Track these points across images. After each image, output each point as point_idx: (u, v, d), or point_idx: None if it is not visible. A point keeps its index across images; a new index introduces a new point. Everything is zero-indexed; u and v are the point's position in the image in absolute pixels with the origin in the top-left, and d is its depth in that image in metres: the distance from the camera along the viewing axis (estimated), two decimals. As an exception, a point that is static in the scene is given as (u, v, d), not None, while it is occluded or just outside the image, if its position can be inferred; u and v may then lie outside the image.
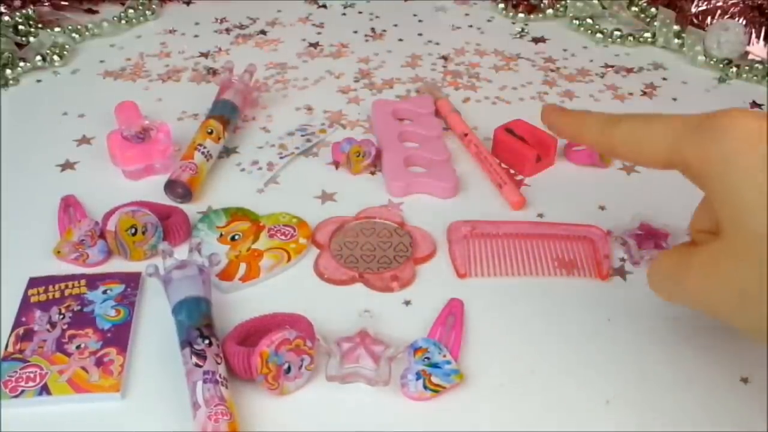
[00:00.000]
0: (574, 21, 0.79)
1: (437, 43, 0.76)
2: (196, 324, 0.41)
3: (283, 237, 0.50)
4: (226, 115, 0.59)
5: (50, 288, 0.46)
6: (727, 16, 0.76)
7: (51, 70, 0.71)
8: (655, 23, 0.76)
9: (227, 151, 0.59)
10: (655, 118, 0.31)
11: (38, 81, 0.69)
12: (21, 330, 0.43)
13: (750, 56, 0.74)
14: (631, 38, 0.76)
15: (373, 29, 0.79)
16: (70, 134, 0.61)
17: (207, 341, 0.40)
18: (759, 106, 0.67)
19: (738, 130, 0.27)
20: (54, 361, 0.41)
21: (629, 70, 0.72)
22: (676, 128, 0.30)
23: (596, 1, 0.80)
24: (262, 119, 0.64)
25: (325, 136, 0.61)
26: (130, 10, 0.78)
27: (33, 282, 0.46)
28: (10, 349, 0.42)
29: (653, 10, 0.77)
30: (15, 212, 0.53)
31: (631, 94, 0.68)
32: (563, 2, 0.80)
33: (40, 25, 0.75)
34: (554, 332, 0.44)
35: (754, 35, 0.74)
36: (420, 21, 0.81)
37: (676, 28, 0.75)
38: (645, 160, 0.32)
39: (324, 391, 0.40)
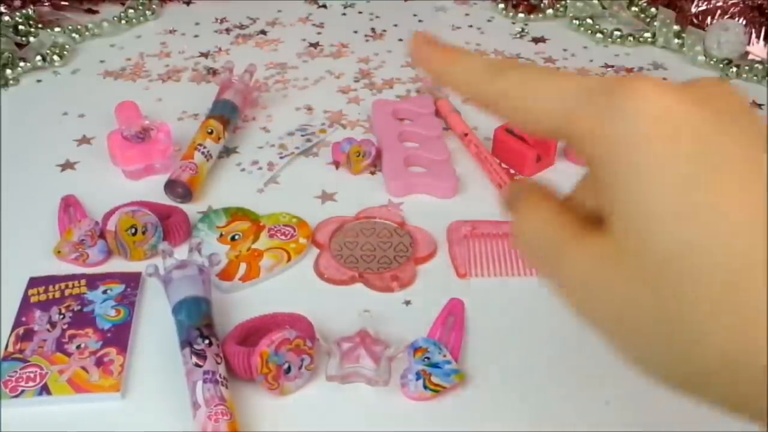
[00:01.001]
0: (574, 21, 0.79)
1: (437, 43, 0.76)
2: (196, 324, 0.41)
3: (283, 237, 0.50)
4: (226, 115, 0.59)
5: (50, 288, 0.46)
6: (727, 16, 0.76)
7: (51, 70, 0.71)
8: (655, 23, 0.76)
9: (227, 151, 0.59)
10: (551, 74, 0.24)
11: (38, 81, 0.69)
12: (21, 330, 0.43)
13: (750, 56, 0.74)
14: (631, 38, 0.76)
15: (373, 29, 0.79)
16: (71, 134, 0.61)
17: (207, 341, 0.40)
18: (759, 106, 0.67)
19: (646, 111, 0.20)
20: (54, 361, 0.41)
21: (629, 70, 0.72)
22: (570, 91, 0.22)
23: (596, 1, 0.80)
24: (262, 119, 0.64)
25: (325, 136, 0.61)
26: (130, 10, 0.78)
27: (33, 282, 0.46)
28: (11, 348, 0.42)
29: (653, 10, 0.77)
30: (15, 212, 0.53)
31: (631, 94, 0.68)
32: (563, 2, 0.80)
33: (40, 25, 0.75)
34: (554, 333, 0.44)
35: (754, 35, 0.74)
36: (420, 21, 0.81)
37: (676, 28, 0.75)
38: (528, 124, 0.24)
39: (324, 391, 0.40)
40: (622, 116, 0.20)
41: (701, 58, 0.72)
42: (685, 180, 0.19)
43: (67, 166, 0.58)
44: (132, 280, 0.46)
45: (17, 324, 0.43)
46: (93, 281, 0.46)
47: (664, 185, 0.19)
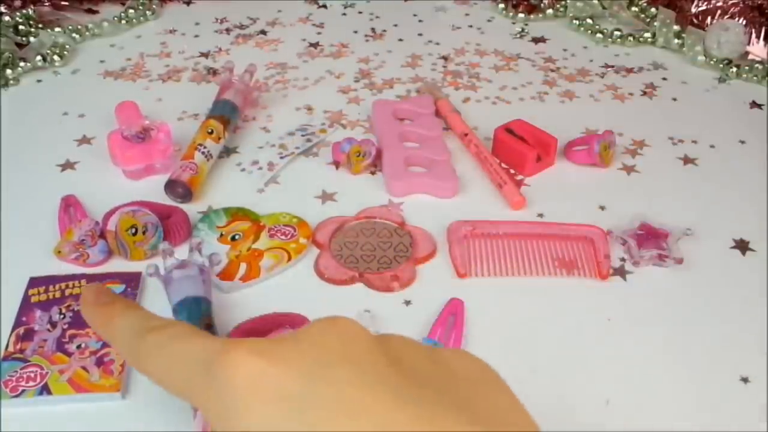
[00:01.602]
0: (574, 21, 0.79)
1: (437, 43, 0.76)
2: (197, 324, 0.41)
3: (283, 237, 0.50)
4: (227, 115, 0.59)
5: (51, 288, 0.46)
6: (727, 16, 0.76)
7: (51, 70, 0.71)
8: (655, 23, 0.76)
9: (227, 151, 0.59)
10: (182, 339, 0.24)
11: (38, 81, 0.69)
12: (21, 330, 0.43)
13: (750, 56, 0.74)
14: (631, 38, 0.76)
15: (373, 29, 0.79)
16: (71, 134, 0.61)
17: (207, 341, 0.40)
18: (759, 106, 0.67)
19: (239, 380, 0.21)
20: (54, 361, 0.41)
21: (629, 70, 0.72)
22: (190, 362, 0.23)
23: (596, 1, 0.80)
24: (262, 119, 0.64)
25: (326, 136, 0.61)
26: (131, 10, 0.78)
27: (33, 282, 0.46)
28: (11, 348, 0.42)
29: (653, 10, 0.77)
30: (15, 212, 0.53)
31: (631, 94, 0.68)
32: (563, 2, 0.80)
33: (40, 25, 0.75)
34: (554, 332, 0.44)
35: (754, 35, 0.74)
36: (420, 21, 0.81)
37: (676, 28, 0.75)
38: (168, 390, 0.24)
39: (324, 391, 0.40)
40: (222, 389, 0.21)
41: (701, 58, 0.72)
42: None
43: (68, 166, 0.58)
44: (132, 280, 0.46)
45: (17, 324, 0.43)
46: (93, 281, 0.46)
47: None
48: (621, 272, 0.49)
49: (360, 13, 0.83)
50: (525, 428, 0.22)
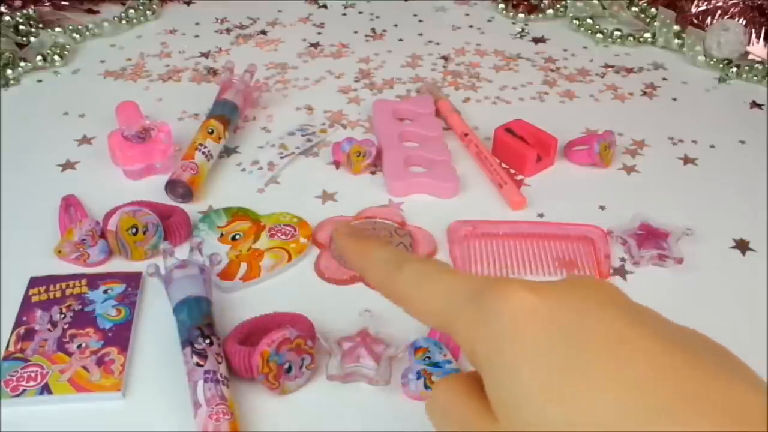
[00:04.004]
0: (574, 21, 0.79)
1: (437, 43, 0.76)
2: (197, 323, 0.41)
3: (283, 237, 0.50)
4: (227, 115, 0.59)
5: (51, 287, 0.46)
6: (727, 16, 0.76)
7: (52, 70, 0.71)
8: (655, 23, 0.76)
9: (228, 151, 0.60)
10: (440, 271, 0.26)
11: (39, 81, 0.69)
12: (22, 329, 0.43)
13: (750, 56, 0.74)
14: (631, 38, 0.76)
15: (373, 29, 0.79)
16: (71, 134, 0.61)
17: (208, 341, 0.40)
18: (759, 106, 0.67)
19: (512, 311, 0.22)
20: (55, 361, 0.41)
21: (629, 70, 0.72)
22: (452, 292, 0.25)
23: (596, 1, 0.80)
24: (262, 119, 0.64)
25: (326, 136, 0.61)
26: (131, 10, 0.78)
27: (34, 281, 0.46)
28: (11, 348, 0.42)
29: (653, 10, 0.77)
30: (16, 212, 0.53)
31: (631, 94, 0.68)
32: (563, 2, 0.80)
33: (40, 25, 0.75)
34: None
35: (754, 35, 0.74)
36: (420, 21, 0.81)
37: (676, 28, 0.75)
38: (421, 319, 0.27)
39: (325, 391, 0.40)
40: (493, 318, 0.23)
41: (701, 58, 0.72)
42: (551, 368, 0.21)
43: (68, 165, 0.58)
44: (133, 280, 0.46)
45: (18, 323, 0.43)
46: (94, 281, 0.46)
47: (532, 376, 0.21)
48: (621, 272, 0.49)
49: (360, 13, 0.83)
50: None
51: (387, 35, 0.78)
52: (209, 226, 0.51)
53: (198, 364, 0.39)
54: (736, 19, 0.75)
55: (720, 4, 0.76)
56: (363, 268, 0.30)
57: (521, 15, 0.81)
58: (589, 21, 0.78)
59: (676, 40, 0.74)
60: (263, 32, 0.78)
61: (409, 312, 0.27)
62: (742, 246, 0.51)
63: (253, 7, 0.83)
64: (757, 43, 0.74)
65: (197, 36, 0.77)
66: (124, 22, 0.78)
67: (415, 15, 0.82)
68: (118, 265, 0.48)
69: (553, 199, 0.55)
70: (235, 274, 0.47)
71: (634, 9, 0.79)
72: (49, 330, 0.43)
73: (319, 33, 0.78)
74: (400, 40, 0.77)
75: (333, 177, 0.57)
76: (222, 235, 0.50)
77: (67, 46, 0.72)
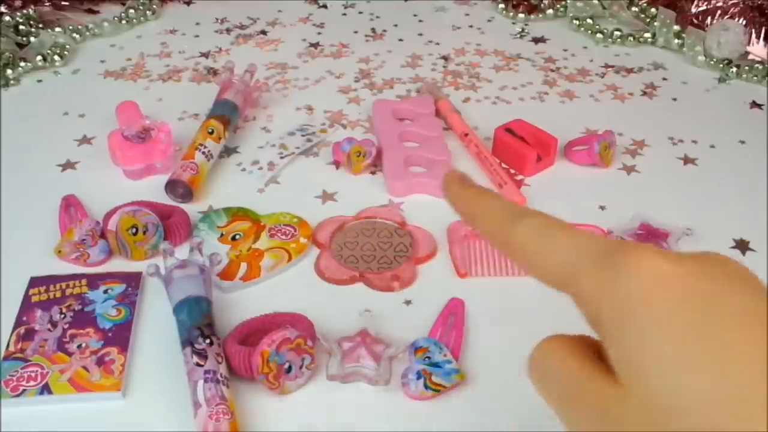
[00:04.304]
0: (574, 21, 0.79)
1: (437, 43, 0.76)
2: (197, 323, 0.41)
3: (283, 237, 0.50)
4: (227, 115, 0.59)
5: (51, 287, 0.46)
6: (727, 16, 0.76)
7: (52, 70, 0.71)
8: (655, 23, 0.76)
9: (228, 151, 0.60)
10: (562, 227, 0.26)
11: (39, 81, 0.69)
12: (22, 329, 0.43)
13: (750, 56, 0.74)
14: (631, 38, 0.76)
15: (373, 29, 0.79)
16: (71, 134, 0.61)
17: (208, 340, 0.40)
18: (759, 106, 0.67)
19: (645, 274, 0.22)
20: (55, 361, 0.41)
21: (629, 70, 0.72)
22: (578, 249, 0.24)
23: (596, 1, 0.80)
24: (262, 119, 0.64)
25: (326, 136, 0.61)
26: (131, 10, 0.78)
27: (34, 281, 0.46)
28: (12, 348, 0.42)
29: (653, 10, 0.77)
30: (16, 212, 0.53)
31: (631, 94, 0.68)
32: (563, 2, 0.80)
33: (40, 25, 0.75)
34: (554, 332, 0.44)
35: (754, 35, 0.74)
36: (420, 21, 0.81)
37: (676, 28, 0.75)
38: (537, 274, 0.26)
39: (325, 391, 0.40)
40: (624, 279, 0.22)
41: (701, 58, 0.72)
42: (685, 336, 0.20)
43: (68, 165, 0.58)
44: (133, 280, 0.46)
45: (18, 323, 0.43)
46: (94, 281, 0.46)
47: (665, 342, 0.21)
48: (621, 272, 0.48)
49: (360, 13, 0.83)
50: None
51: (387, 35, 0.78)
52: (209, 226, 0.51)
53: (198, 364, 0.39)
54: (736, 19, 0.75)
55: (720, 4, 0.76)
56: (474, 216, 0.28)
57: (521, 15, 0.81)
58: (589, 21, 0.78)
59: (676, 40, 0.74)
60: (263, 32, 0.78)
61: (523, 265, 0.26)
62: (742, 246, 0.51)
63: (253, 7, 0.83)
64: (757, 43, 0.74)
65: (197, 36, 0.77)
66: (124, 22, 0.78)
67: (415, 15, 0.82)
68: (118, 265, 0.48)
69: (553, 199, 0.55)
70: (235, 274, 0.47)
71: (634, 9, 0.79)
72: (49, 330, 0.43)
73: (319, 33, 0.78)
74: (400, 40, 0.77)
75: (333, 177, 0.57)
76: (222, 235, 0.50)
77: (67, 46, 0.72)
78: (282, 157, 0.58)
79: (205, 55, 0.74)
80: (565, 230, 0.25)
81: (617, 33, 0.76)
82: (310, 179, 0.57)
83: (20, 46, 0.73)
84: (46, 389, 0.39)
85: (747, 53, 0.74)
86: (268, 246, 0.49)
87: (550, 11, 0.81)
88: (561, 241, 0.25)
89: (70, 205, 0.52)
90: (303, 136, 0.61)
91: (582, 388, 0.24)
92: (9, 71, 0.68)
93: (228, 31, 0.78)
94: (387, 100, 0.65)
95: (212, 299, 0.43)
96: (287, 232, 0.50)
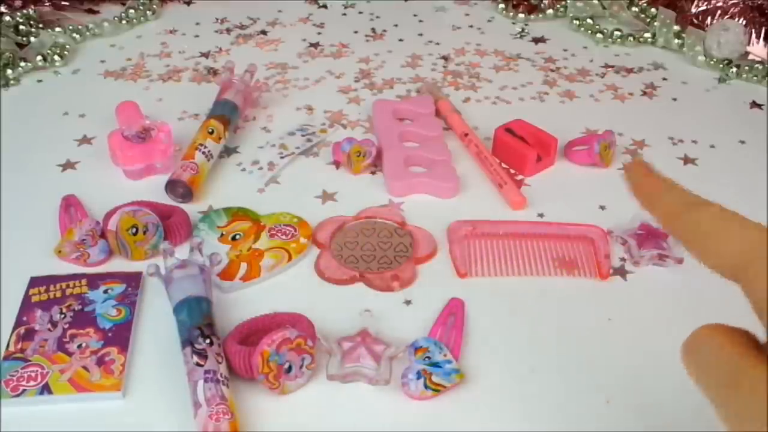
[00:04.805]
0: (574, 21, 0.79)
1: (437, 43, 0.76)
2: (197, 323, 0.41)
3: (283, 237, 0.50)
4: (227, 115, 0.59)
5: (51, 287, 0.46)
6: (727, 16, 0.76)
7: (52, 70, 0.71)
8: (655, 23, 0.76)
9: (228, 151, 0.60)
10: (738, 219, 0.27)
11: (39, 81, 0.69)
12: (22, 329, 0.43)
13: (750, 56, 0.74)
14: (631, 38, 0.76)
15: (373, 29, 0.79)
16: (71, 134, 0.61)
17: (208, 340, 0.40)
18: (759, 106, 0.67)
19: None
20: (55, 361, 0.41)
21: (629, 70, 0.72)
22: (752, 240, 0.26)
23: (596, 1, 0.80)
24: (262, 119, 0.64)
25: (326, 136, 0.61)
26: (131, 10, 0.78)
27: (34, 281, 0.46)
28: (12, 348, 0.42)
29: (653, 10, 0.77)
30: (16, 212, 0.53)
31: (631, 94, 0.68)
32: (563, 2, 0.80)
33: (41, 25, 0.75)
34: (554, 332, 0.44)
35: (754, 35, 0.74)
36: (420, 21, 0.81)
37: (676, 28, 0.75)
38: (709, 259, 0.27)
39: (325, 391, 0.40)
40: None
41: (701, 58, 0.72)
42: None
43: (68, 165, 0.58)
44: (133, 280, 0.46)
45: (18, 323, 0.43)
46: (94, 281, 0.46)
47: None
48: (621, 272, 0.49)
49: (360, 13, 0.83)
50: None
51: (387, 35, 0.78)
52: (209, 226, 0.51)
53: (198, 364, 0.39)
54: (736, 19, 0.75)
55: (720, 4, 0.76)
56: (653, 199, 0.31)
57: (521, 15, 0.81)
58: (589, 21, 0.78)
59: (676, 40, 0.74)
60: (263, 32, 0.78)
61: (697, 250, 0.28)
62: (742, 246, 0.51)
63: (253, 7, 0.83)
64: (757, 43, 0.74)
65: (197, 36, 0.77)
66: (124, 22, 0.78)
67: (415, 15, 0.82)
68: (119, 265, 0.48)
69: (553, 199, 0.55)
70: (235, 274, 0.47)
71: (634, 9, 0.79)
72: (49, 330, 0.43)
73: (319, 33, 0.78)
74: (400, 40, 0.77)
75: (333, 177, 0.57)
76: (222, 235, 0.50)
77: (67, 46, 0.72)
78: (282, 157, 0.58)
79: (205, 55, 0.74)
80: (741, 222, 0.27)
81: (617, 33, 0.76)
82: (310, 179, 0.57)
83: (20, 46, 0.73)
84: (46, 389, 0.40)
85: (747, 53, 0.74)
86: (268, 246, 0.49)
87: (550, 11, 0.81)
88: (735, 232, 0.27)
89: (70, 205, 0.52)
90: (303, 136, 0.61)
91: (742, 373, 0.25)
92: (9, 71, 0.68)
93: (228, 31, 0.78)
94: (387, 100, 0.65)
95: (212, 299, 0.43)
96: (287, 232, 0.50)
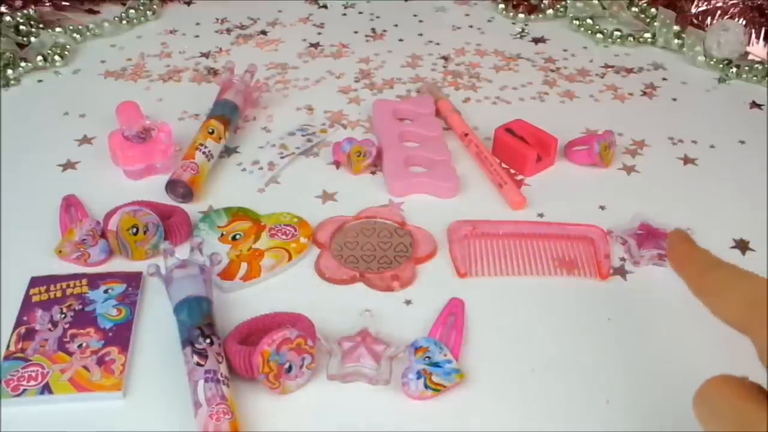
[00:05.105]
0: (574, 21, 0.79)
1: (437, 43, 0.76)
2: (198, 323, 0.41)
3: (284, 236, 0.50)
4: (227, 115, 0.59)
5: (52, 287, 0.46)
6: (727, 16, 0.76)
7: (52, 70, 0.71)
8: (655, 23, 0.76)
9: (228, 151, 0.60)
10: (745, 278, 0.31)
11: (39, 81, 0.69)
12: (23, 329, 0.43)
13: (750, 56, 0.74)
14: (631, 38, 0.76)
15: (373, 29, 0.79)
16: (72, 134, 0.61)
17: (208, 340, 0.40)
18: (759, 106, 0.67)
19: None
20: (56, 360, 0.41)
21: (629, 70, 0.72)
22: (754, 303, 0.29)
23: (596, 1, 0.80)
24: (262, 119, 0.64)
25: (326, 136, 0.61)
26: (131, 11, 0.78)
27: (34, 281, 0.46)
28: (12, 348, 0.42)
29: (653, 10, 0.77)
30: (16, 212, 0.53)
31: (631, 94, 0.68)
32: (563, 2, 0.80)
33: (41, 25, 0.76)
34: (554, 332, 0.44)
35: (754, 35, 0.74)
36: (420, 21, 0.81)
37: (676, 28, 0.75)
38: (720, 317, 0.31)
39: (325, 391, 0.40)
40: None
41: (701, 58, 0.72)
42: None
43: (68, 165, 0.58)
44: (133, 280, 0.47)
45: (19, 323, 0.43)
46: (94, 281, 0.46)
47: None
48: (621, 272, 0.49)
49: (360, 13, 0.83)
50: None
51: (387, 35, 0.78)
52: (209, 226, 0.51)
53: (198, 364, 0.39)
54: (736, 19, 0.75)
55: (720, 4, 0.76)
56: (681, 263, 0.35)
57: (521, 15, 0.81)
58: (589, 21, 0.78)
59: (676, 40, 0.74)
60: (263, 32, 0.78)
61: (710, 307, 0.32)
62: (742, 246, 0.51)
63: (253, 7, 0.83)
64: (757, 43, 0.74)
65: (197, 36, 0.77)
66: (124, 22, 0.78)
67: (415, 15, 0.82)
68: (119, 264, 0.48)
69: (553, 199, 0.55)
70: (235, 274, 0.47)
71: (634, 9, 0.79)
72: (49, 330, 0.43)
73: (319, 33, 0.78)
74: (400, 40, 0.77)
75: (333, 177, 0.57)
76: (222, 234, 0.50)
77: (68, 46, 0.72)
78: (282, 157, 0.58)
79: (206, 55, 0.74)
80: (747, 278, 0.30)
81: (617, 33, 0.76)
82: (311, 179, 0.57)
83: (21, 46, 0.73)
84: (46, 389, 0.40)
85: (747, 53, 0.74)
86: (268, 246, 0.49)
87: (550, 11, 0.81)
88: (740, 288, 0.30)
89: (71, 205, 0.52)
90: (303, 136, 0.61)
91: (749, 422, 0.27)
92: (9, 71, 0.68)
93: (228, 31, 0.78)
94: (387, 100, 0.65)
95: (212, 299, 0.43)
96: (287, 232, 0.50)
